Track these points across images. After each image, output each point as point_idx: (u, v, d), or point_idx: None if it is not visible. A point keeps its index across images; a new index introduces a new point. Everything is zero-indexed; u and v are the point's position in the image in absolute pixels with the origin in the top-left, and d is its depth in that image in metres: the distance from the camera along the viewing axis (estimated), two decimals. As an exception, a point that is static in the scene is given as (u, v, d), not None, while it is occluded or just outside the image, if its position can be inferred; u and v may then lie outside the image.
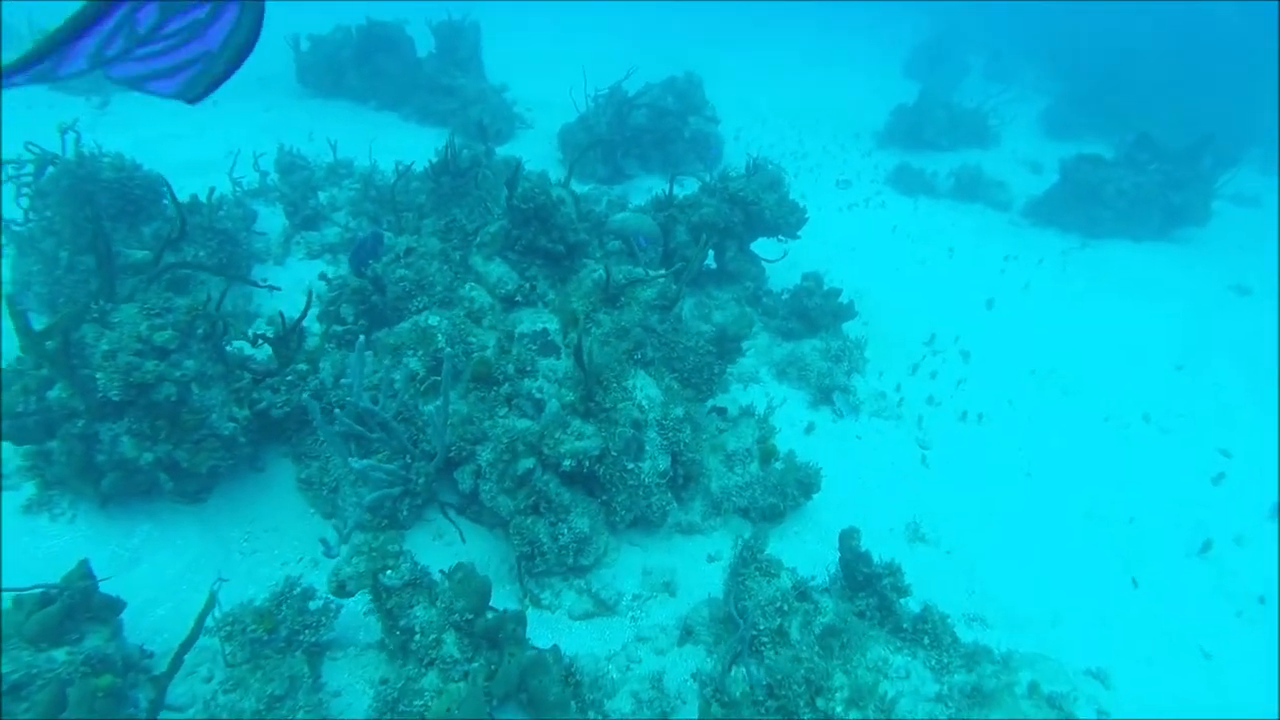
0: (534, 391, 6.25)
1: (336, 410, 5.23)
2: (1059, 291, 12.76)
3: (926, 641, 5.59)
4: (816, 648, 5.07)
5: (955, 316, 11.42)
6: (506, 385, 6.30)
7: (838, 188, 16.08)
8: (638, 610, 6.01)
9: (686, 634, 5.80)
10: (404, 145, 14.12)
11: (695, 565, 6.50)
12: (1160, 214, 15.33)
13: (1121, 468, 8.68)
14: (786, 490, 6.86)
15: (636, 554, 6.44)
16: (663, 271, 7.83)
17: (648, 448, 6.28)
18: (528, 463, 5.80)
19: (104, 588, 4.87)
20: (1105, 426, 9.41)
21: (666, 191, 10.13)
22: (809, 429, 8.30)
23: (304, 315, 6.13)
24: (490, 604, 5.45)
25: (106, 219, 7.43)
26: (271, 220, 10.45)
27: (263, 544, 5.93)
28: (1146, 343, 11.57)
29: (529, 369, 6.38)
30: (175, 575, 5.51)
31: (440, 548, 6.17)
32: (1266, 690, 6.36)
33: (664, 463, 6.34)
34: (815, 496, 7.11)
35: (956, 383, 9.62)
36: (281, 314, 6.47)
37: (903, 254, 13.34)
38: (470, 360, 6.65)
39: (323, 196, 11.13)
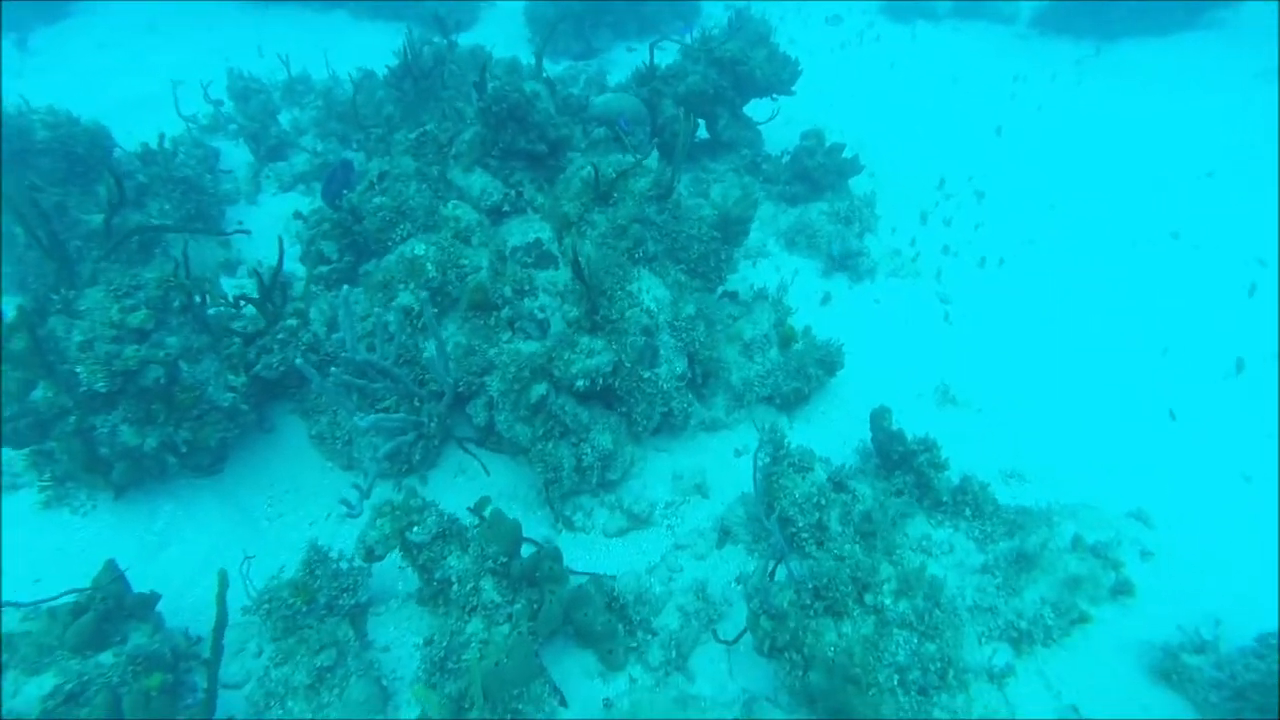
0: (535, 311, 5.95)
1: (332, 369, 4.98)
2: (1075, 107, 11.95)
3: (968, 513, 5.51)
4: (858, 539, 4.99)
5: (966, 153, 10.77)
6: (506, 309, 6.00)
7: (827, 25, 14.91)
8: (672, 517, 5.95)
9: (724, 535, 5.76)
10: (361, 46, 13.17)
11: (724, 461, 6.38)
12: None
13: (1152, 294, 8.32)
14: (809, 371, 6.63)
15: (663, 459, 6.32)
16: (653, 155, 7.28)
17: (662, 352, 6.02)
18: (540, 389, 5.58)
19: (137, 576, 4.85)
20: (1132, 251, 8.97)
21: (647, 63, 9.35)
22: (825, 300, 7.98)
23: (279, 269, 5.78)
24: (524, 535, 5.41)
25: (53, 184, 6.97)
26: (235, 155, 9.86)
27: (286, 506, 5.87)
28: (1172, 149, 10.89)
29: (527, 288, 6.05)
30: (205, 553, 5.48)
31: (464, 483, 6.08)
32: (1313, 508, 6.28)
33: (681, 365, 6.10)
34: (839, 372, 6.89)
35: (973, 227, 9.15)
36: (258, 271, 6.12)
37: (904, 91, 12.46)
38: (465, 286, 6.32)
39: (284, 119, 10.44)
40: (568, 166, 7.46)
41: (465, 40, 13.62)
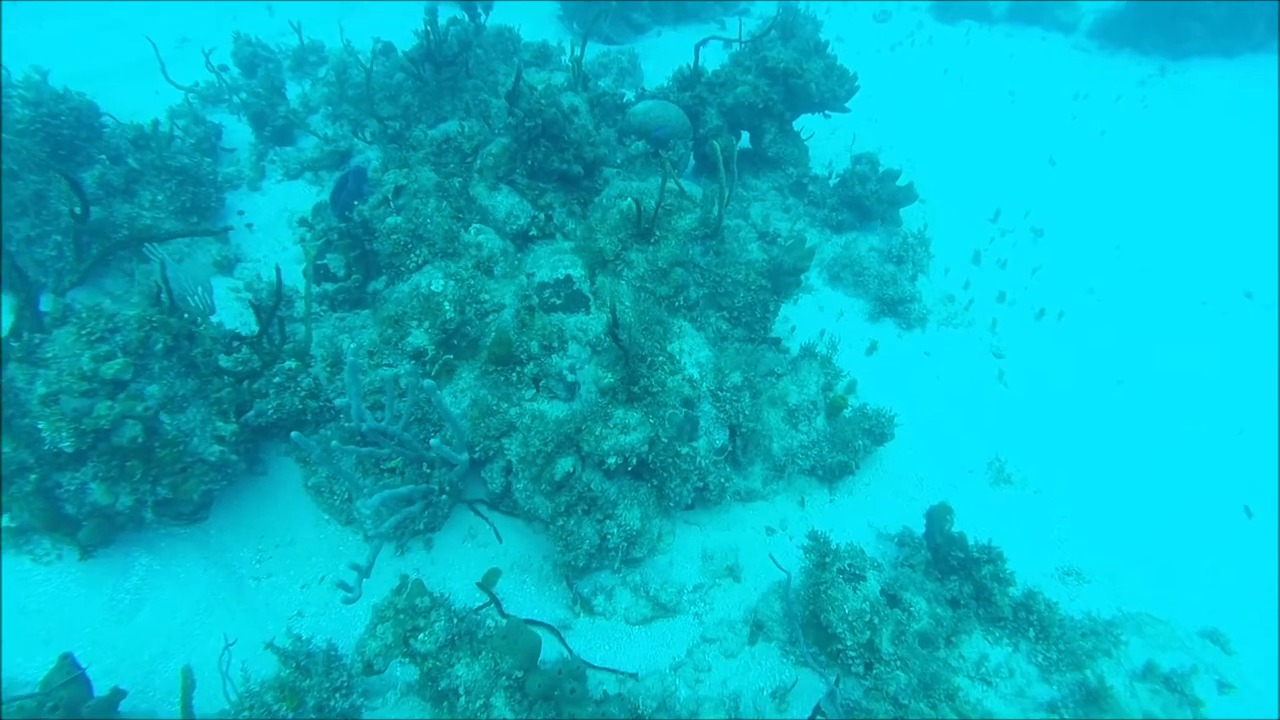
0: (565, 371, 5.31)
1: (334, 443, 4.36)
2: (1140, 134, 11.17)
3: (1031, 634, 4.96)
4: (914, 672, 4.44)
5: (1023, 180, 10.04)
6: (531, 364, 5.35)
7: (876, 22, 13.99)
8: (700, 604, 5.39)
9: (757, 629, 5.21)
10: (381, 12, 12.24)
11: (758, 539, 5.81)
12: (1265, 20, 13.17)
13: (1224, 361, 7.71)
14: (855, 444, 6.02)
15: (694, 534, 5.75)
16: (696, 188, 6.60)
17: (702, 423, 5.40)
18: (566, 464, 4.98)
19: (105, 645, 4.29)
20: (1203, 311, 8.32)
21: (691, 66, 8.56)
22: (871, 349, 7.34)
23: (276, 303, 5.11)
24: (538, 620, 4.87)
25: (30, 170, 6.25)
26: (237, 133, 9.08)
27: (277, 564, 5.29)
28: (1244, 194, 10.16)
29: (556, 344, 5.40)
30: (185, 618, 4.91)
31: (473, 549, 5.50)
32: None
33: (721, 438, 5.49)
34: (887, 442, 6.29)
35: (1030, 271, 8.48)
36: (255, 304, 5.45)
37: (958, 104, 11.65)
38: (486, 329, 5.67)
39: (292, 94, 9.63)
40: (604, 188, 6.76)
41: (492, 18, 12.79)
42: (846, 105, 8.59)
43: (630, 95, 8.91)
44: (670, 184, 6.45)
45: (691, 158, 8.81)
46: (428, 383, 4.26)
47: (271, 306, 5.13)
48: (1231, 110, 11.94)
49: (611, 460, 4.99)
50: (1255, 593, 5.87)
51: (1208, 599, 5.79)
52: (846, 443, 5.99)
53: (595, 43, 12.41)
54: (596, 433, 4.98)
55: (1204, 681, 5.14)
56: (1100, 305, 8.23)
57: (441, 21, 9.12)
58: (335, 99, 9.14)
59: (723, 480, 5.56)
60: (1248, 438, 7.01)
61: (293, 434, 4.01)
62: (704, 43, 8.44)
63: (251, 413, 5.00)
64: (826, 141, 10.03)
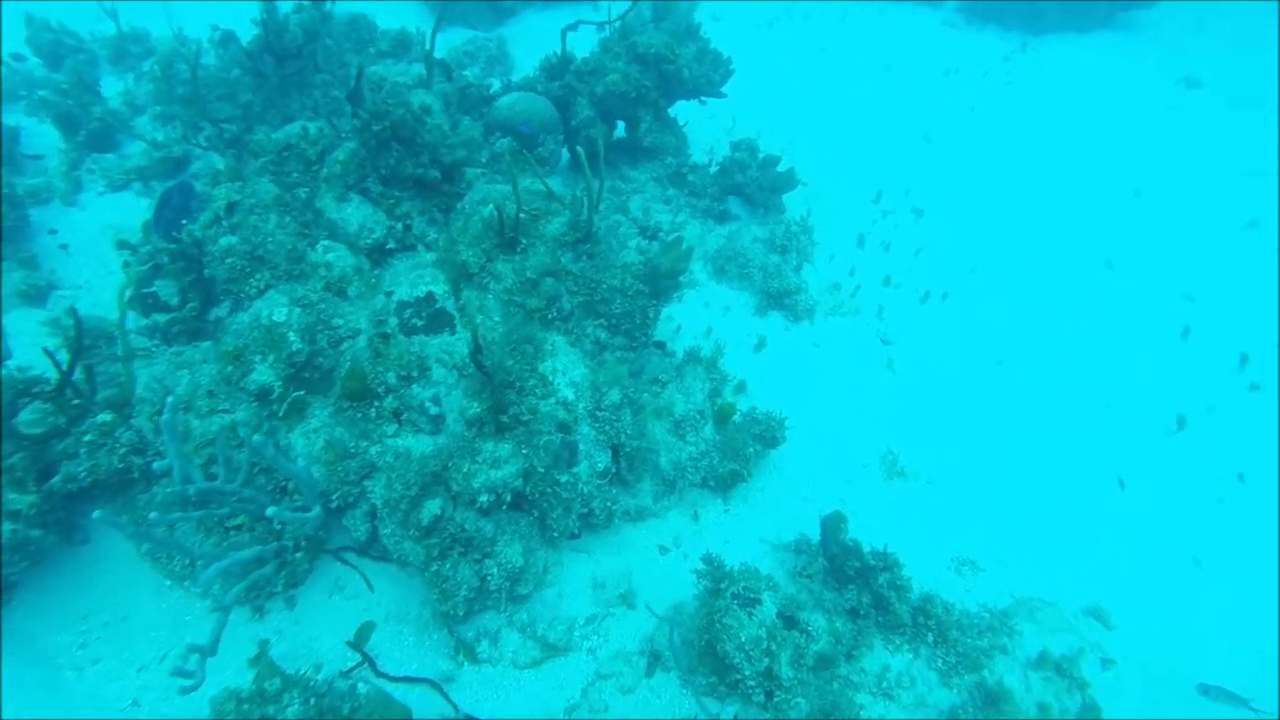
0: (427, 403, 4.83)
1: (152, 514, 3.75)
2: (1006, 110, 11.43)
3: (930, 638, 4.87)
4: (815, 697, 4.26)
5: (902, 158, 10.08)
6: (390, 398, 4.85)
7: (753, -2, 13.81)
8: (594, 637, 5.07)
9: (655, 660, 4.94)
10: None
11: (652, 560, 5.53)
12: (1107, -2, 13.77)
13: (1091, 333, 7.92)
14: (747, 451, 5.81)
15: (582, 562, 5.40)
16: (567, 189, 6.19)
17: (582, 447, 5.05)
18: (434, 507, 4.53)
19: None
20: (1070, 283, 8.54)
21: (559, 54, 8.08)
22: (759, 345, 7.15)
23: (73, 366, 4.41)
24: (416, 676, 4.45)
25: None
26: (42, 137, 8.02)
27: (106, 646, 4.63)
28: (1101, 163, 10.54)
29: (415, 373, 4.91)
30: (-10, 728, 4.22)
31: (342, 602, 4.99)
32: (1258, 593, 6.02)
33: (603, 460, 5.15)
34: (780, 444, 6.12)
35: (913, 253, 8.49)
36: (49, 352, 4.73)
37: (836, 81, 11.60)
38: (340, 358, 5.12)
39: (113, 90, 8.60)
40: (466, 192, 6.26)
41: (342, 3, 11.87)
42: (722, 90, 8.32)
43: (497, 85, 8.38)
44: (537, 185, 6.02)
45: (564, 152, 8.38)
46: (257, 438, 3.72)
47: (73, 351, 4.43)
48: (1085, 84, 12.38)
49: (484, 498, 4.58)
50: (1129, 563, 6.02)
51: (1089, 574, 5.90)
52: (737, 450, 5.76)
53: (462, 29, 11.73)
54: (465, 470, 4.55)
55: (1089, 661, 5.21)
56: (980, 284, 8.32)
57: (285, 8, 8.33)
58: (164, 97, 8.20)
59: (609, 504, 5.23)
60: (1117, 410, 7.21)
61: (95, 513, 3.42)
62: (572, 27, 7.97)
63: (59, 478, 4.31)
64: (706, 125, 9.78)
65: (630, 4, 8.47)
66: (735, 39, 12.24)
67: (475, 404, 4.72)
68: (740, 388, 6.64)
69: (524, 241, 5.59)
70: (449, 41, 10.82)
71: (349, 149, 5.87)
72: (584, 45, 8.51)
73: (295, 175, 6.02)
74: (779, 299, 7.37)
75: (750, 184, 8.07)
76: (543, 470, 4.79)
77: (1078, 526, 6.23)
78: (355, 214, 5.84)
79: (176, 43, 9.17)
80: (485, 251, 5.56)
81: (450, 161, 5.95)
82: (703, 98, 8.24)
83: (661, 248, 5.83)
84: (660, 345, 6.50)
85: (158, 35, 9.52)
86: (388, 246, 5.95)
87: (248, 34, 7.67)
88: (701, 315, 7.35)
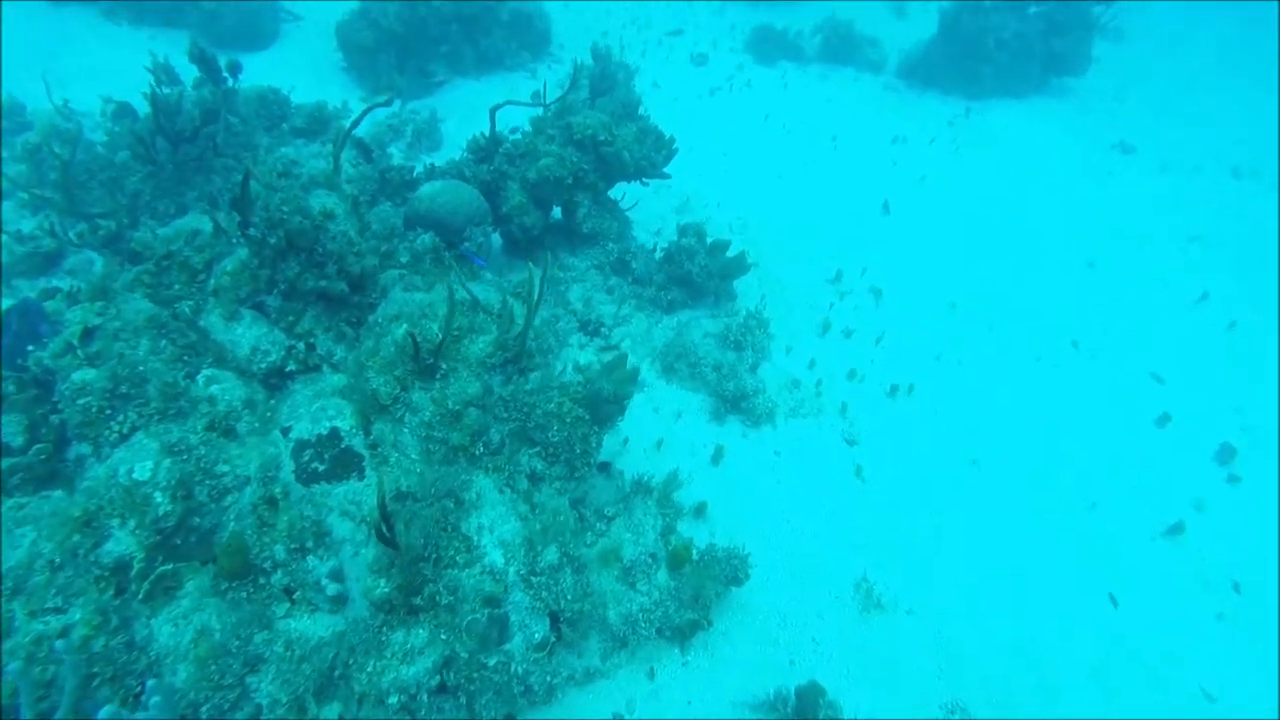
0: (325, 580, 4.00)
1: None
2: (955, 179, 11.21)
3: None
4: None
5: (855, 233, 9.67)
6: (280, 573, 4.00)
7: (693, 64, 13.49)
8: None
9: None
10: (110, 63, 10.20)
11: (604, 734, 4.74)
12: (1040, 65, 13.87)
13: (1064, 422, 7.50)
14: (706, 596, 5.09)
15: (520, 749, 4.57)
16: (499, 295, 5.49)
17: (514, 618, 4.26)
18: (332, 712, 3.67)
19: None
20: (1038, 367, 8.15)
21: (487, 134, 7.45)
22: (716, 457, 6.47)
23: None
24: None
25: None
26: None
27: None
28: (1053, 232, 10.36)
29: (310, 542, 4.08)
30: None
31: (221, 828, 4.05)
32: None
33: (540, 630, 4.37)
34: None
35: (874, 341, 7.98)
36: None
37: (782, 153, 11.24)
38: (225, 514, 4.27)
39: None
40: (380, 302, 5.50)
41: (260, 63, 11.13)
42: (665, 170, 7.77)
43: (421, 168, 7.69)
44: (460, 292, 5.30)
45: (497, 237, 7.71)
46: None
47: None
48: (1028, 149, 12.34)
49: (394, 699, 3.74)
50: (1135, 698, 5.46)
51: (1092, 706, 5.32)
52: (696, 596, 5.04)
53: (388, 93, 11.02)
54: (370, 668, 3.72)
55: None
56: (946, 372, 7.84)
57: (187, 82, 7.55)
58: (34, 180, 7.26)
59: (549, 678, 4.43)
60: (1101, 511, 6.74)
61: None
62: (500, 107, 7.35)
63: None
64: (651, 202, 9.22)
65: (568, 87, 7.90)
66: (676, 109, 11.88)
67: (383, 582, 3.91)
68: (699, 512, 5.94)
69: (444, 367, 4.84)
70: (374, 114, 10.10)
71: (239, 258, 5.08)
72: (519, 118, 7.91)
73: (178, 287, 5.20)
74: (735, 402, 6.73)
75: (699, 272, 7.49)
76: (467, 655, 3.98)
77: (1074, 658, 5.64)
78: (248, 334, 5.02)
79: (57, 117, 8.27)
80: (399, 379, 4.80)
81: (359, 271, 5.19)
82: (645, 179, 7.68)
83: (603, 368, 5.15)
84: (605, 467, 5.78)
85: (34, 105, 8.58)
86: (287, 369, 5.13)
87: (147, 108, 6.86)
88: (651, 423, 6.67)
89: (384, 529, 3.71)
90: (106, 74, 9.74)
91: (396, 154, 9.58)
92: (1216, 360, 8.66)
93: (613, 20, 14.45)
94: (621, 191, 7.95)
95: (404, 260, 6.21)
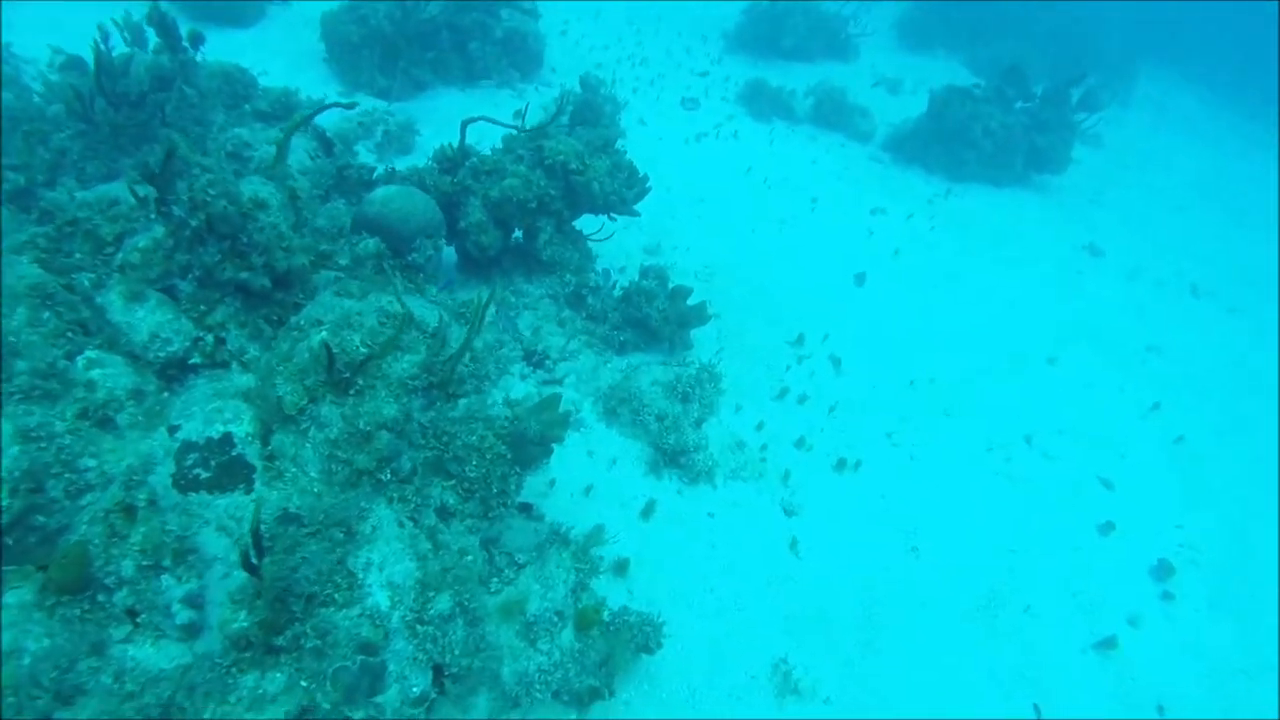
0: (177, 605, 3.54)
1: None
2: (928, 257, 11.16)
3: None
4: None
5: (822, 298, 9.51)
6: (125, 591, 3.53)
7: (683, 108, 13.43)
8: None
9: None
10: (76, 18, 9.71)
11: (478, 807, 4.28)
12: (1023, 158, 14.07)
13: (1009, 522, 7.29)
14: (612, 662, 4.70)
15: (381, 816, 4.08)
16: (433, 310, 5.12)
17: (392, 667, 3.82)
18: (154, 763, 3.18)
19: None
20: (989, 458, 7.97)
21: (456, 145, 7.15)
22: (647, 511, 6.12)
23: None
24: None
25: None
26: None
27: None
28: (1018, 326, 10.30)
29: (169, 560, 3.62)
30: None
31: None
32: None
33: (420, 684, 3.93)
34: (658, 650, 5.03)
35: (828, 410, 7.74)
36: None
37: (760, 207, 11.12)
38: (79, 515, 3.79)
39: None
40: (307, 304, 5.09)
41: (238, 41, 10.77)
42: (635, 208, 7.53)
43: (383, 170, 7.35)
44: (393, 305, 4.93)
45: (451, 251, 7.37)
46: None
47: None
48: (1001, 237, 12.39)
49: (235, 753, 3.28)
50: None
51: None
52: (600, 663, 4.64)
53: (369, 96, 10.73)
54: (209, 713, 3.25)
55: None
56: (896, 453, 7.62)
57: (151, 46, 7.16)
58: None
59: (425, 740, 3.98)
60: (1034, 614, 6.50)
61: None
62: (474, 120, 7.05)
63: None
64: (619, 237, 8.95)
65: (554, 112, 7.64)
66: (659, 149, 11.74)
67: (243, 614, 3.47)
68: (620, 568, 5.57)
69: (360, 382, 4.44)
70: (345, 110, 9.75)
71: (154, 236, 4.65)
72: (497, 137, 7.63)
73: (79, 257, 4.75)
74: (674, 457, 6.41)
75: (656, 316, 7.21)
76: (329, 706, 3.52)
77: (993, 769, 5.34)
78: (150, 318, 4.57)
79: None
80: (309, 389, 4.39)
81: (286, 268, 4.80)
82: (614, 214, 7.41)
83: (534, 406, 4.80)
84: (526, 508, 5.39)
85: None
86: (192, 362, 4.69)
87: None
88: (583, 467, 6.31)
89: (249, 557, 3.28)
90: (69, 28, 9.26)
91: (364, 153, 9.22)
92: (1162, 473, 8.58)
93: (609, 54, 14.38)
94: (599, 223, 7.66)
95: (343, 263, 5.83)
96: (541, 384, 6.84)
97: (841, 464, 7.13)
